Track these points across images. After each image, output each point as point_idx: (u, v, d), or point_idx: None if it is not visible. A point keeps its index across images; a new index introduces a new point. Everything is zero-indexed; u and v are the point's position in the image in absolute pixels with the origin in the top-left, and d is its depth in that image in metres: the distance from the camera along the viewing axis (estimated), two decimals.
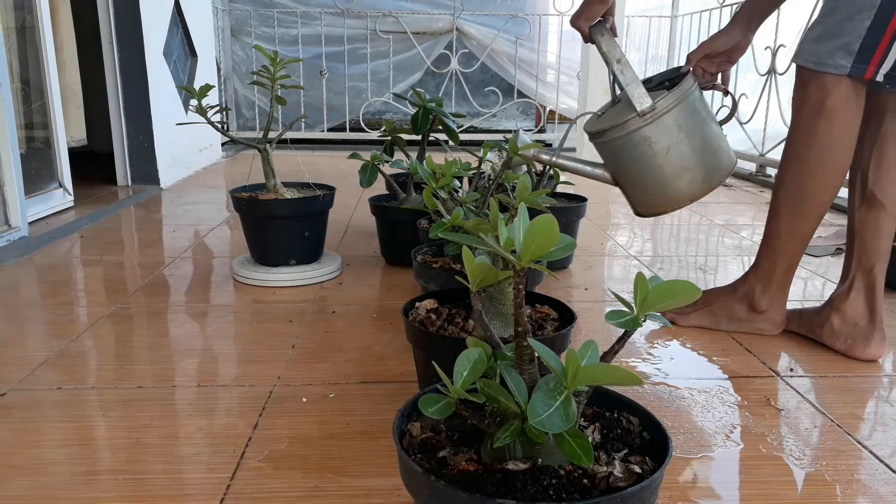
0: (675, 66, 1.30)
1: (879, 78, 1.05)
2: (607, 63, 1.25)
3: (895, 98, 1.16)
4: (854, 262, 1.22)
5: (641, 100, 1.16)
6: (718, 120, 1.22)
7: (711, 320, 1.31)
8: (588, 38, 1.26)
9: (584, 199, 1.76)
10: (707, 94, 1.30)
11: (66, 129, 2.43)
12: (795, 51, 1.15)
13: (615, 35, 1.25)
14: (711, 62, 1.25)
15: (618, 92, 1.26)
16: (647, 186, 1.21)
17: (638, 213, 1.27)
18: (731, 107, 1.26)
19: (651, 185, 1.21)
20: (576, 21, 1.24)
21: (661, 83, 1.24)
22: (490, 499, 0.52)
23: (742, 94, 3.16)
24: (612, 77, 1.27)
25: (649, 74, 1.30)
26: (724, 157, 1.19)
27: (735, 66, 1.30)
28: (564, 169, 1.28)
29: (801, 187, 1.17)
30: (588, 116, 1.30)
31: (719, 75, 1.27)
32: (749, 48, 1.26)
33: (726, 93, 1.27)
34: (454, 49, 4.17)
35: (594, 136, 1.24)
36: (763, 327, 1.29)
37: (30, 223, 1.96)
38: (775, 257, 1.23)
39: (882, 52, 1.03)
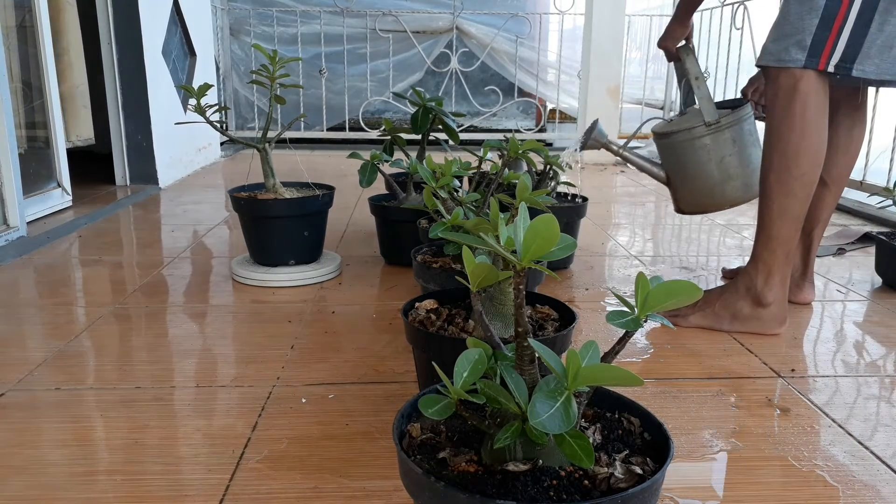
0: (735, 98, 1.56)
1: (830, 69, 1.16)
2: (687, 78, 1.47)
3: (847, 93, 1.34)
4: None
5: (711, 113, 1.41)
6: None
7: (713, 320, 1.31)
8: (673, 57, 1.49)
9: (584, 199, 1.76)
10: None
11: (73, 129, 2.44)
12: (759, 55, 1.25)
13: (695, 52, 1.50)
14: (763, 96, 1.46)
15: (685, 105, 1.53)
16: (696, 186, 1.47)
17: (679, 210, 1.53)
18: None
19: (700, 186, 1.46)
20: (662, 42, 1.48)
21: (722, 108, 1.45)
22: (490, 500, 0.52)
23: None
24: (685, 90, 1.51)
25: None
26: (756, 182, 1.40)
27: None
28: (629, 161, 1.53)
29: (788, 169, 1.22)
30: (654, 122, 1.59)
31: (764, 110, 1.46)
32: None
33: None
34: (454, 48, 4.17)
35: (662, 136, 1.48)
36: (766, 325, 1.29)
37: (28, 223, 1.95)
38: (774, 245, 1.26)
39: (830, 45, 1.15)
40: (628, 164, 1.56)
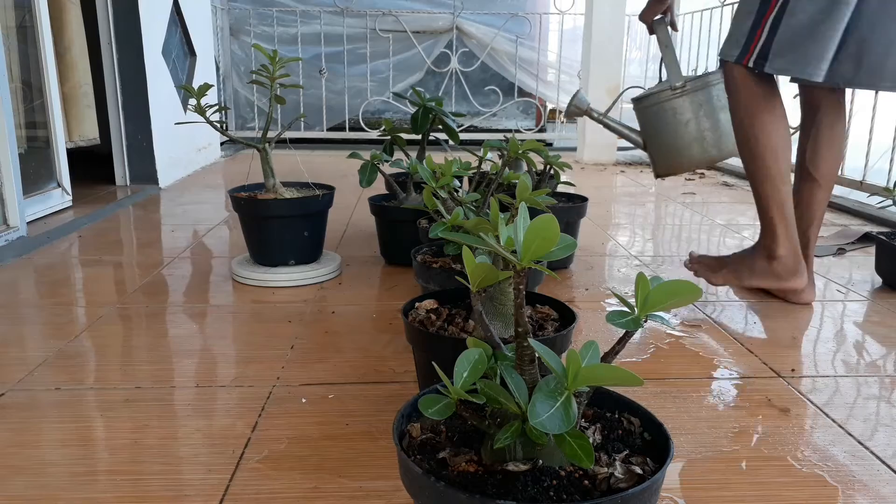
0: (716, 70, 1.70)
1: (751, 65, 1.32)
2: (661, 48, 1.63)
3: (827, 94, 1.44)
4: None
5: (676, 77, 1.57)
6: None
7: (735, 276, 1.45)
8: (651, 30, 1.65)
9: (584, 199, 1.76)
10: None
11: (76, 129, 2.43)
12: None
13: (675, 28, 1.66)
14: None
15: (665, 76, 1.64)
16: (668, 149, 1.60)
17: (657, 175, 1.67)
18: None
19: (671, 148, 1.59)
20: (643, 16, 1.64)
21: (697, 78, 1.61)
22: (490, 500, 0.52)
23: None
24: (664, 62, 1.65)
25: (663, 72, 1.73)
26: (729, 142, 1.51)
27: None
28: (608, 127, 1.66)
29: (750, 138, 1.38)
30: (633, 89, 1.77)
31: None
32: None
33: None
34: (454, 48, 4.17)
35: (637, 101, 1.64)
36: (782, 277, 1.40)
37: (28, 223, 1.95)
38: (765, 203, 1.39)
39: (755, 44, 1.32)
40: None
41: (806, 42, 1.26)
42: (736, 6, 1.40)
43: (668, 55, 1.60)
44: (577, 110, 1.63)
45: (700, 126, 1.55)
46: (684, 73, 1.63)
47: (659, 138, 1.60)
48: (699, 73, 3.72)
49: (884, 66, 1.24)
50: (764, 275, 1.41)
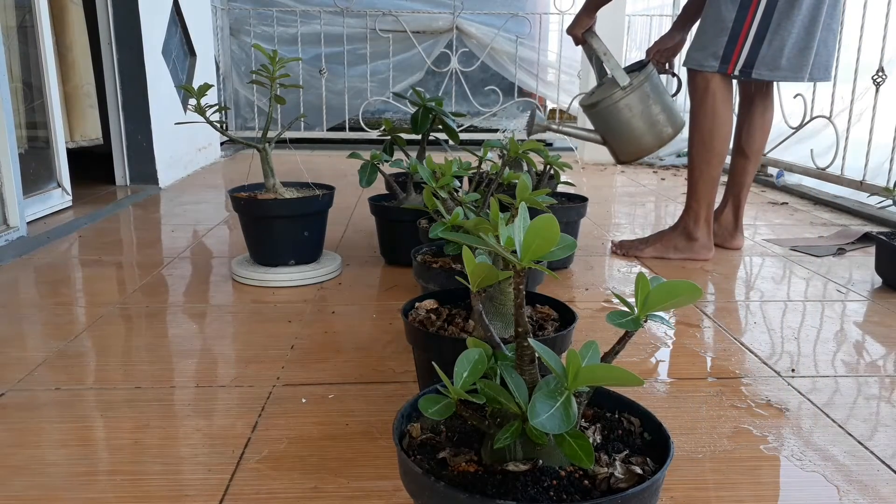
0: (638, 60, 1.88)
1: (736, 73, 1.64)
2: (598, 56, 1.81)
3: (757, 87, 1.79)
4: (728, 191, 1.90)
5: (624, 79, 1.73)
6: (671, 93, 1.84)
7: (661, 251, 1.80)
8: (580, 41, 1.85)
9: (584, 199, 1.76)
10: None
11: (77, 129, 2.43)
12: (685, 58, 1.72)
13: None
14: (662, 55, 1.89)
15: (600, 77, 1.84)
16: (627, 139, 1.78)
17: (620, 161, 1.87)
18: (677, 84, 2.02)
19: (630, 138, 1.78)
20: (571, 30, 1.84)
21: (630, 71, 1.79)
22: (490, 500, 0.52)
23: None
24: (597, 66, 1.85)
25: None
26: (677, 117, 1.76)
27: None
28: (567, 135, 1.85)
29: (705, 145, 1.71)
30: (581, 96, 1.98)
31: (667, 64, 1.91)
32: None
33: (674, 75, 1.96)
34: (454, 48, 4.16)
35: (589, 107, 1.79)
36: (698, 253, 1.77)
37: (28, 223, 1.95)
38: (699, 197, 1.75)
39: (736, 57, 1.61)
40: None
41: (792, 55, 1.59)
42: (700, 23, 1.68)
43: (611, 61, 1.75)
44: (539, 128, 1.80)
45: (652, 112, 1.74)
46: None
47: (618, 132, 1.77)
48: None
49: (823, 61, 1.65)
50: (685, 251, 1.78)
